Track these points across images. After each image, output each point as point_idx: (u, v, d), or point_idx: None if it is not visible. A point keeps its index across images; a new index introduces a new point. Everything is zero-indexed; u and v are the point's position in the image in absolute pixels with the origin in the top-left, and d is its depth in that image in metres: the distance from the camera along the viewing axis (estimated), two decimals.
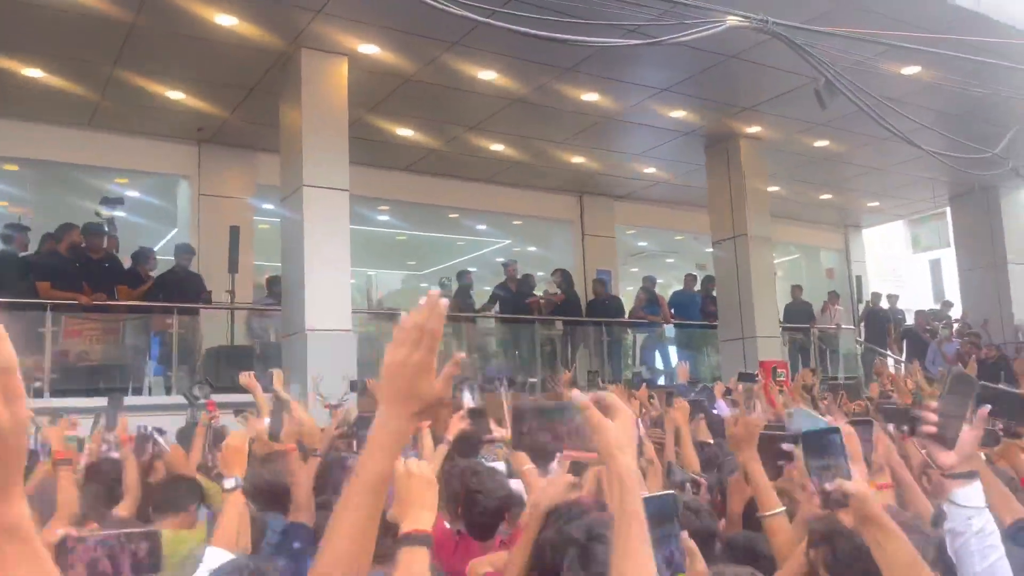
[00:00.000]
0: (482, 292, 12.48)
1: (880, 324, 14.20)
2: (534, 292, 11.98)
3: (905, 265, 25.43)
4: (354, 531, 1.14)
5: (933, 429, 1.89)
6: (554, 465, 2.31)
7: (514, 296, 11.69)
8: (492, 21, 5.13)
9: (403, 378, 1.15)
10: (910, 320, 14.60)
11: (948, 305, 15.12)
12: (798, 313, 13.53)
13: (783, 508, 2.42)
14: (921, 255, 26.00)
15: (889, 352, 13.61)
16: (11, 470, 0.74)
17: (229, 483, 2.39)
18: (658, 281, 13.74)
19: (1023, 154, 10.48)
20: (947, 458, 1.86)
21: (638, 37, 5.56)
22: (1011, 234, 14.14)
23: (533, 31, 4.94)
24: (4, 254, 8.52)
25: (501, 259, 13.01)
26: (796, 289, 13.95)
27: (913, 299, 19.25)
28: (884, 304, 14.82)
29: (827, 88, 5.83)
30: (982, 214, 14.29)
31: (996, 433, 3.35)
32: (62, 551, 1.47)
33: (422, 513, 1.52)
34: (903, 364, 13.18)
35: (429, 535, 1.52)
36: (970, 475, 1.83)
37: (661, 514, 1.51)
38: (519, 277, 12.00)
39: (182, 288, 9.17)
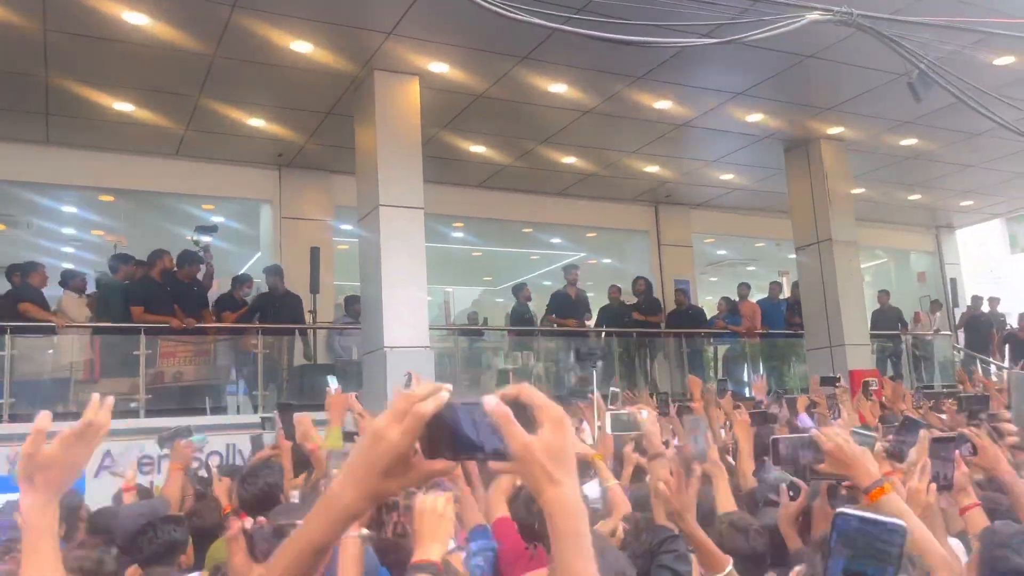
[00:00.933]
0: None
1: (983, 329, 13.45)
2: (589, 310, 11.65)
3: (1003, 266, 24.15)
4: None
5: (1015, 439, 1.95)
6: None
7: (573, 304, 11.39)
8: (566, 27, 5.09)
9: (377, 453, 0.96)
10: (1012, 323, 13.78)
11: None
12: (886, 319, 12.94)
13: (730, 567, 2.26)
14: (1021, 255, 24.67)
15: (992, 359, 12.87)
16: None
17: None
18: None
19: None
20: None
21: (715, 39, 5.42)
22: None
23: (608, 35, 4.86)
24: (110, 283, 8.92)
25: (566, 264, 12.60)
26: (883, 295, 13.34)
27: (1013, 302, 18.24)
28: (985, 307, 14.04)
29: (921, 80, 5.54)
30: None
31: None
32: (249, 536, 1.87)
33: (432, 545, 1.63)
34: (1005, 371, 12.46)
35: (435, 564, 1.63)
36: None
37: None
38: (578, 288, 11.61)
39: (280, 308, 9.42)
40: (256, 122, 9.35)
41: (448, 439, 0.94)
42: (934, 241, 16.52)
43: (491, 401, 0.92)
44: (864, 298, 11.35)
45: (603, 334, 11.64)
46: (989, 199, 14.66)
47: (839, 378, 7.40)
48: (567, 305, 11.30)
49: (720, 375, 12.30)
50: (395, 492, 1.02)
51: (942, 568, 1.69)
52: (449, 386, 0.97)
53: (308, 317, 9.80)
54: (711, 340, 12.50)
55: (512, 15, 4.83)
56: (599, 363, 10.33)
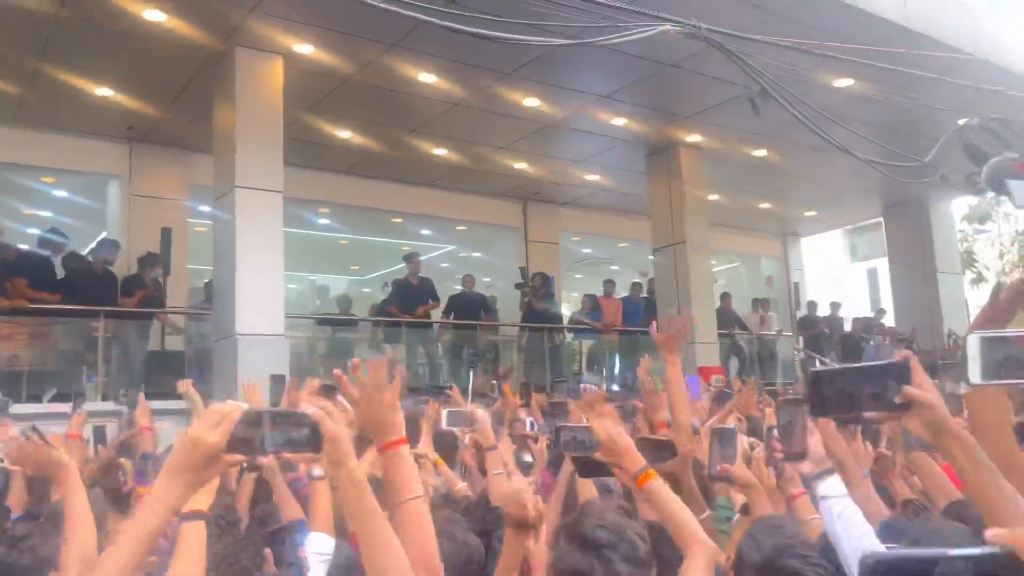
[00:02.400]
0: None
1: (817, 331, 14.47)
2: (436, 297, 11.28)
3: (844, 274, 26.17)
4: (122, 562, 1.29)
5: (780, 454, 2.21)
6: None
7: (413, 292, 11.04)
8: (431, 19, 5.07)
9: (199, 454, 1.29)
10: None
11: (881, 312, 15.50)
12: (725, 320, 13.48)
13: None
14: (859, 264, 26.83)
15: (825, 359, 13.86)
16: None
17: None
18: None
19: (951, 165, 10.77)
20: (804, 467, 2.17)
21: (575, 41, 5.58)
22: (940, 244, 14.59)
23: (469, 29, 4.88)
24: None
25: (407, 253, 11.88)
26: (726, 298, 13.84)
27: (852, 307, 19.79)
28: (825, 311, 15.08)
29: (761, 96, 5.92)
30: (913, 225, 14.71)
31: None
32: None
33: (201, 495, 1.70)
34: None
35: (207, 513, 1.75)
36: (826, 472, 2.14)
37: None
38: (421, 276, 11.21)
39: (95, 286, 8.61)
40: (104, 92, 8.78)
41: (254, 438, 1.30)
42: (782, 247, 17.64)
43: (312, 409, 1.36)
44: (714, 299, 11.97)
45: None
46: (830, 211, 15.80)
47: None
48: (409, 293, 11.04)
49: (583, 369, 12.64)
50: (207, 480, 1.38)
51: (695, 547, 1.88)
52: (243, 404, 1.33)
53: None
54: (571, 335, 12.79)
55: (373, 2, 4.76)
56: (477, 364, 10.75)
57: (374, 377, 1.61)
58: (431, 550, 1.56)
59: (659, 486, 1.99)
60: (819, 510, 2.16)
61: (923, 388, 1.38)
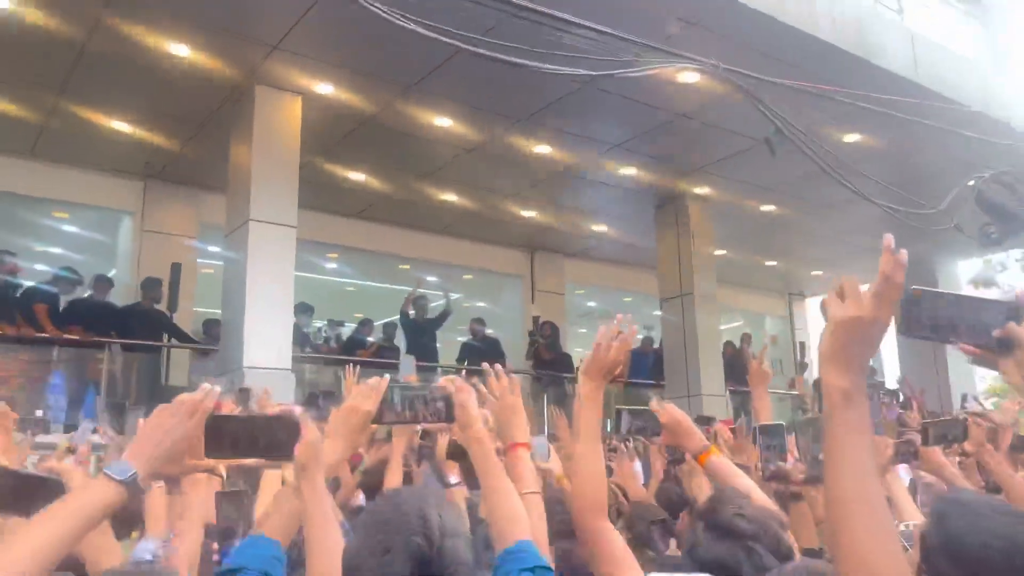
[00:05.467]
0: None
1: None
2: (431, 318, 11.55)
3: None
4: None
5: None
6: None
7: (421, 325, 11.30)
8: (468, 47, 5.16)
9: (351, 419, 1.69)
10: None
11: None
12: (733, 369, 13.18)
13: None
14: None
15: None
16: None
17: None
18: None
19: (962, 219, 10.82)
20: None
21: (596, 78, 5.68)
22: None
23: (506, 57, 4.98)
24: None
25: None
26: (728, 347, 13.60)
27: None
28: None
29: (777, 136, 5.99)
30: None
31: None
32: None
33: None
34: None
35: None
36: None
37: None
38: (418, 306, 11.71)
39: (148, 324, 8.87)
40: (123, 126, 8.88)
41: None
42: (786, 306, 17.62)
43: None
44: (720, 352, 11.88)
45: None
46: (837, 270, 15.79)
47: (713, 418, 7.59)
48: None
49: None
50: (360, 444, 1.90)
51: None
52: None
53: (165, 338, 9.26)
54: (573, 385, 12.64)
55: (416, 28, 4.86)
56: None
57: (504, 387, 1.91)
58: (541, 536, 1.71)
59: (720, 460, 2.10)
60: None
61: None
